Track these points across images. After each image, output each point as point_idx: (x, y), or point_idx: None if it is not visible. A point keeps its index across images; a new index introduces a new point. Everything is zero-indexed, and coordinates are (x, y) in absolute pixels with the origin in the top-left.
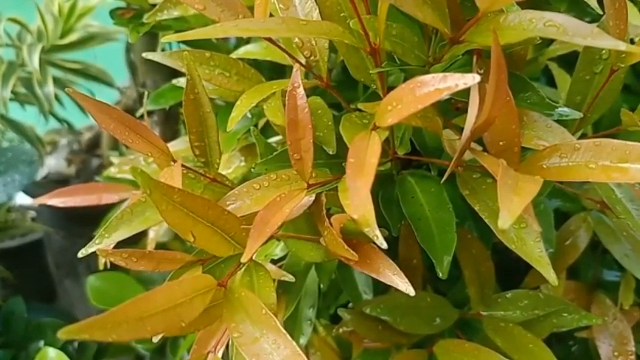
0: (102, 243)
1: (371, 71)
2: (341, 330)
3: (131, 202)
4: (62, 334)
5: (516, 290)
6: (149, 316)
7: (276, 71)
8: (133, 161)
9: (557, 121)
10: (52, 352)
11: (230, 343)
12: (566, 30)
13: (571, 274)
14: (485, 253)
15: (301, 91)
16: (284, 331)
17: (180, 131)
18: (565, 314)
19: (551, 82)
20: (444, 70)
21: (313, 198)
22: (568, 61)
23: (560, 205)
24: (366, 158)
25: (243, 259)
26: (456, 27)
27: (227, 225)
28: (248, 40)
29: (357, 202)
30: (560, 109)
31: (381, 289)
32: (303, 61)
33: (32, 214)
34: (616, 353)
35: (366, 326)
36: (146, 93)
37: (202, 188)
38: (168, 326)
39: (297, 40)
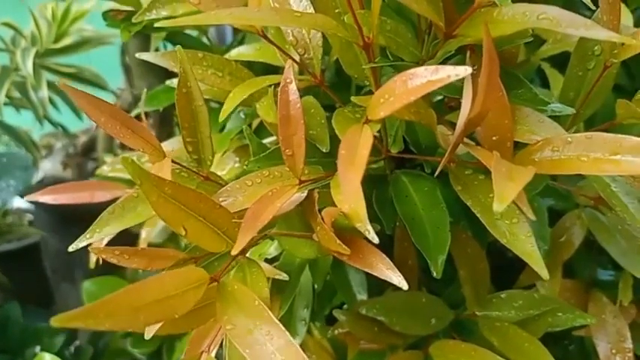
0: (93, 237)
1: (364, 66)
2: (336, 331)
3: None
4: (55, 321)
5: (511, 290)
6: (142, 306)
7: (269, 73)
8: None
9: (550, 117)
10: (48, 357)
11: (224, 343)
12: (560, 22)
13: (567, 272)
14: (481, 253)
15: (293, 87)
16: (277, 322)
17: (175, 133)
18: (560, 313)
19: (546, 84)
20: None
21: (305, 194)
22: (560, 62)
23: (554, 203)
24: (357, 150)
25: (234, 252)
26: (449, 23)
27: (219, 219)
28: (241, 43)
29: (349, 193)
30: (552, 104)
31: (375, 289)
32: (297, 59)
33: (29, 217)
34: (614, 351)
35: (362, 327)
36: (145, 92)
37: (195, 186)
38: (161, 317)
39: (291, 37)
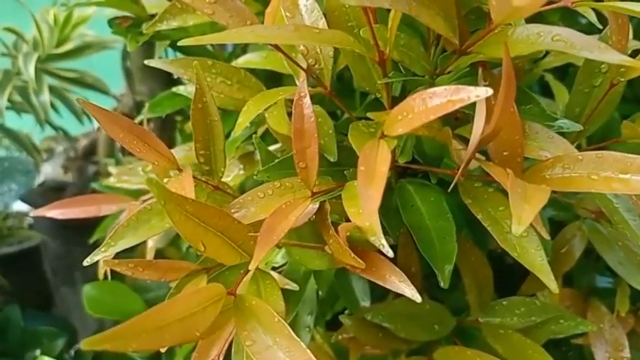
0: (108, 251)
1: (379, 81)
2: (340, 336)
3: (131, 211)
4: (85, 344)
5: (512, 297)
6: (166, 326)
7: (273, 80)
8: (131, 171)
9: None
10: None
11: (233, 351)
12: (574, 44)
13: (566, 280)
14: (484, 261)
15: (308, 100)
16: (297, 339)
17: (176, 138)
18: (562, 321)
19: (544, 90)
20: (452, 81)
21: (317, 206)
22: (562, 72)
23: (554, 214)
24: (376, 166)
25: (251, 267)
26: (462, 39)
27: (235, 234)
28: (244, 49)
29: (369, 210)
30: (560, 121)
31: (378, 295)
32: (304, 67)
33: (29, 220)
34: (612, 359)
35: (367, 332)
36: (147, 104)
37: (206, 196)
38: (184, 335)
39: (302, 47)
